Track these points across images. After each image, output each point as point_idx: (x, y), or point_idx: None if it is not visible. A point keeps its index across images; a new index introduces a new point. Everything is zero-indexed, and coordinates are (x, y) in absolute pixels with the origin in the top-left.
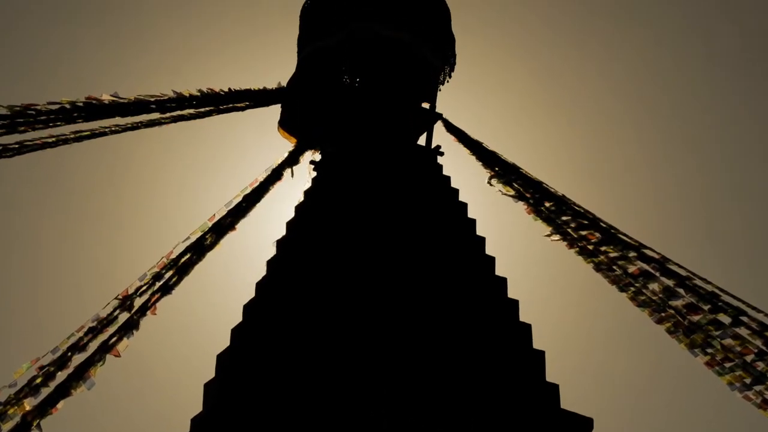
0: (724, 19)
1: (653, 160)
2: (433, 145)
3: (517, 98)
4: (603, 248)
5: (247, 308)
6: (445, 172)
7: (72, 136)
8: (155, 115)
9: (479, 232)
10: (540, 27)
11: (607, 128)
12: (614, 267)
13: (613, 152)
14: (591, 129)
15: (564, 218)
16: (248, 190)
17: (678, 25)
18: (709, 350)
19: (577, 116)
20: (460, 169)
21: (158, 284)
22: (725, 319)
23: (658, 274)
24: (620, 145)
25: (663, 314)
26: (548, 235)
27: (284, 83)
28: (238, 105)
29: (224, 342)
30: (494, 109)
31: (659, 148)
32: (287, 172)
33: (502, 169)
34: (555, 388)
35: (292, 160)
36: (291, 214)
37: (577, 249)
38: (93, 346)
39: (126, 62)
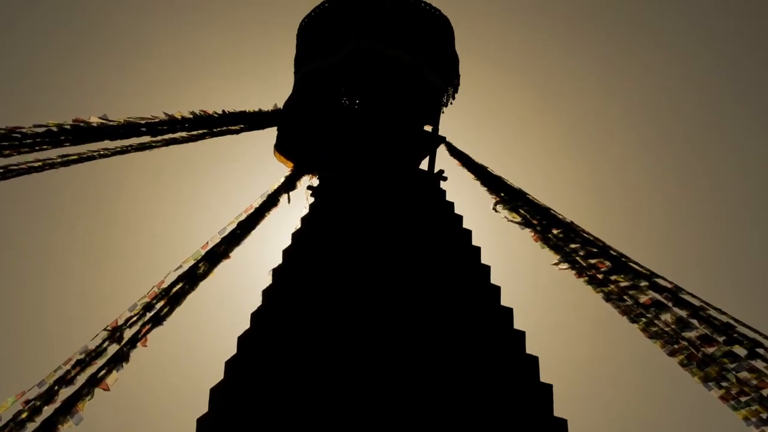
0: (740, 44)
1: (666, 186)
2: (436, 170)
3: (522, 120)
4: (613, 277)
5: (242, 340)
6: (448, 198)
7: (59, 160)
8: (146, 139)
9: (484, 260)
10: (549, 46)
11: (618, 152)
12: (625, 297)
13: (625, 177)
14: (601, 153)
15: (572, 246)
16: (243, 217)
17: (691, 47)
18: (724, 384)
19: (586, 139)
20: (465, 195)
21: (149, 315)
22: (741, 351)
23: (670, 304)
24: (632, 170)
25: (676, 346)
26: (556, 264)
27: (280, 105)
28: (233, 128)
29: (218, 375)
30: (499, 130)
31: (672, 174)
32: (284, 198)
33: (508, 195)
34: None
35: (288, 185)
36: (288, 242)
37: (586, 278)
38: (81, 379)
39: (115, 83)
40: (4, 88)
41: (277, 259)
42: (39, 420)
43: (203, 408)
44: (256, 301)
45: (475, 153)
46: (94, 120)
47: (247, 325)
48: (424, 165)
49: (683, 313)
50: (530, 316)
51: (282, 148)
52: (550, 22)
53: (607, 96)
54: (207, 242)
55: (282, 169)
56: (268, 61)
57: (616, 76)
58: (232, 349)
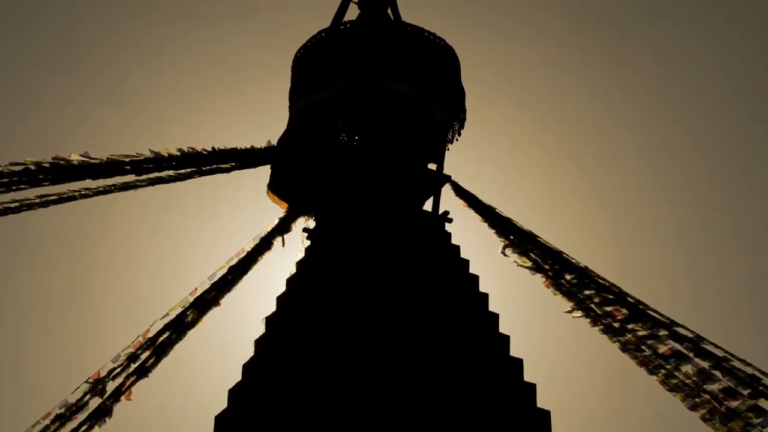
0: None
1: (686, 229)
2: (441, 211)
3: (532, 157)
4: (630, 326)
5: (233, 393)
6: (454, 241)
7: (37, 200)
8: (130, 177)
9: (492, 307)
10: (560, 79)
11: (634, 192)
12: (643, 347)
13: (642, 219)
14: (617, 192)
15: (587, 292)
16: (234, 261)
17: (712, 73)
18: None
19: (601, 178)
20: (471, 237)
21: (133, 366)
22: (767, 405)
23: (692, 354)
24: (649, 211)
25: (698, 399)
26: (569, 312)
27: (274, 141)
28: (223, 166)
29: (208, 430)
30: (507, 168)
31: (695, 215)
32: (278, 241)
33: (517, 238)
34: None
35: (283, 227)
36: (282, 288)
37: (602, 327)
38: None
39: (97, 118)
40: None
41: (271, 307)
42: None
43: None
44: (249, 352)
45: (482, 192)
46: (75, 157)
47: (238, 377)
48: (428, 206)
49: (705, 365)
50: (541, 367)
51: (276, 187)
52: (560, 52)
53: (620, 130)
54: (196, 288)
55: (276, 211)
56: (261, 94)
57: (629, 107)
58: (222, 403)
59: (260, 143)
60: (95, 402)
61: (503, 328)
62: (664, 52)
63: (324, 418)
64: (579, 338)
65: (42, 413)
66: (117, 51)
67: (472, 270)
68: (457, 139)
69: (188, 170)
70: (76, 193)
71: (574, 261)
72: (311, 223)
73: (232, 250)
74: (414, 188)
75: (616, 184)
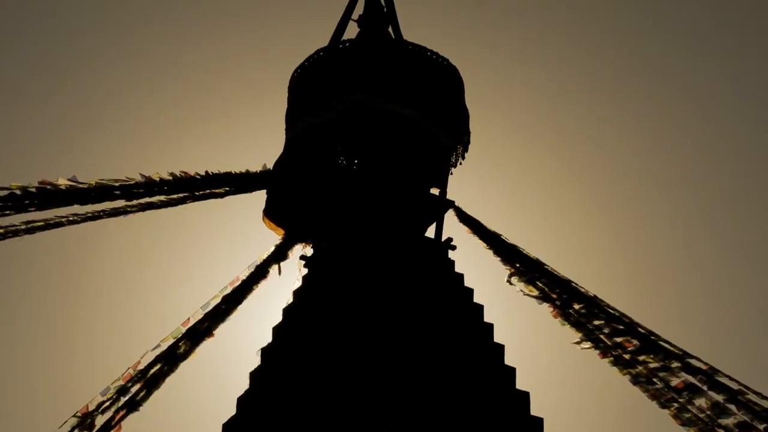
0: None
1: (701, 256)
2: (444, 238)
3: (540, 182)
4: (642, 357)
5: (227, 427)
6: (457, 269)
7: (23, 227)
8: (120, 203)
9: (497, 338)
10: (569, 99)
11: (646, 219)
12: (655, 379)
13: (654, 247)
14: (628, 219)
15: (596, 322)
16: (228, 290)
17: (732, 100)
18: None
19: (611, 204)
20: (475, 265)
21: (123, 399)
22: None
23: (705, 387)
24: (662, 238)
25: None
26: (578, 343)
27: (270, 165)
28: (217, 191)
29: None
30: (513, 193)
31: (709, 243)
32: (274, 269)
33: (524, 266)
34: None
35: (279, 254)
36: (278, 318)
37: (612, 358)
38: None
39: (86, 141)
40: None
41: (267, 338)
42: None
43: None
44: (243, 385)
45: (487, 218)
46: (62, 182)
47: (233, 410)
48: (430, 232)
49: (720, 398)
50: (549, 401)
51: (272, 213)
52: (570, 72)
53: (634, 156)
54: (188, 318)
55: (272, 237)
56: (256, 116)
57: (640, 128)
58: None
59: (255, 167)
60: None
61: (509, 360)
62: (675, 70)
63: None
64: (588, 370)
65: None
66: (106, 71)
67: (477, 299)
68: (460, 163)
69: (181, 195)
70: (63, 219)
71: (582, 290)
72: (309, 251)
73: (226, 279)
74: (416, 214)
75: (628, 210)
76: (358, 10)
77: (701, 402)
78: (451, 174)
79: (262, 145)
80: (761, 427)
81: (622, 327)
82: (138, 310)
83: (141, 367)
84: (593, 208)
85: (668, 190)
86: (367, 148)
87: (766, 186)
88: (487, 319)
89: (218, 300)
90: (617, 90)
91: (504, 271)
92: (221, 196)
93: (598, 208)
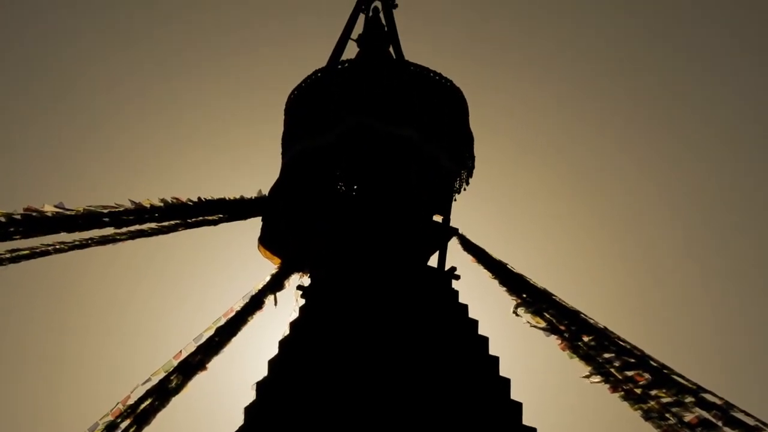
0: None
1: (716, 287)
2: (447, 267)
3: (548, 208)
4: (654, 392)
5: None
6: (461, 300)
7: (7, 255)
8: (109, 231)
9: (503, 371)
10: (577, 121)
11: (659, 248)
12: (668, 415)
13: (667, 276)
14: (641, 247)
15: (606, 355)
16: (222, 322)
17: (749, 124)
18: None
19: (623, 231)
20: (480, 296)
21: None
22: None
23: (720, 423)
24: (676, 267)
25: None
26: (587, 377)
27: (265, 191)
28: (210, 218)
29: None
30: (519, 219)
31: (724, 271)
32: (269, 300)
33: (530, 296)
34: None
35: (275, 284)
36: (274, 351)
37: (623, 393)
38: None
39: (73, 166)
40: None
41: (262, 371)
42: None
43: None
44: (238, 420)
45: (492, 246)
46: (49, 209)
47: None
48: (433, 261)
49: None
50: None
51: (268, 241)
52: (579, 94)
53: (647, 180)
54: (180, 351)
55: (267, 266)
56: (251, 140)
57: (652, 153)
58: None
59: (250, 193)
60: None
61: (515, 394)
62: (689, 93)
63: None
64: (598, 405)
65: None
66: (95, 92)
67: (481, 331)
68: (464, 189)
69: (172, 223)
70: (50, 248)
71: (592, 321)
72: (306, 280)
73: (219, 310)
74: (418, 242)
75: (640, 237)
76: (358, 29)
77: None
78: (455, 200)
79: (257, 170)
80: None
81: (633, 360)
82: (128, 343)
83: (131, 401)
84: (604, 235)
85: (684, 216)
86: (366, 173)
87: None
88: (492, 351)
89: (211, 332)
90: (633, 112)
91: (510, 301)
92: (215, 223)
93: (609, 236)
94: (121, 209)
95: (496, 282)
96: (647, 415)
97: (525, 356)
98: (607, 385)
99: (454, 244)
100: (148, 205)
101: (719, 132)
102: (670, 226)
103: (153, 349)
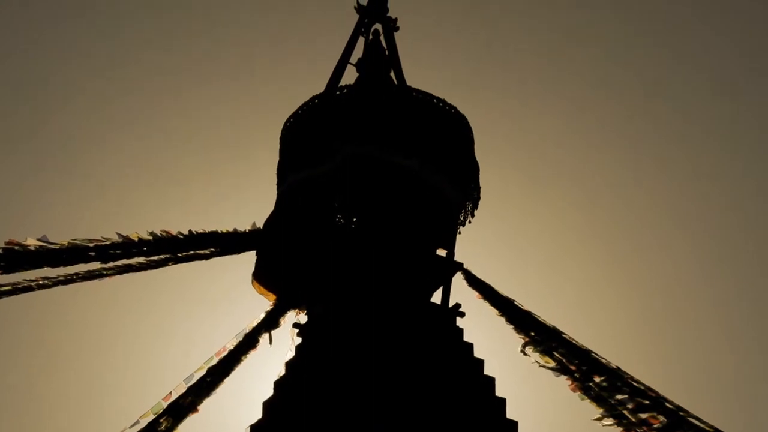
0: None
1: (734, 324)
2: (452, 303)
3: (557, 242)
4: None
5: None
6: (466, 338)
7: None
8: (95, 265)
9: (510, 414)
10: (588, 150)
11: (674, 282)
12: None
13: (683, 313)
14: (655, 281)
15: (619, 397)
16: (214, 361)
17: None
18: None
19: (635, 266)
20: (486, 334)
21: None
22: None
23: None
24: (692, 304)
25: None
26: (599, 419)
27: (260, 224)
28: (202, 252)
29: None
30: (526, 254)
31: (741, 308)
32: (264, 338)
33: (539, 334)
34: None
35: (270, 322)
36: (269, 392)
37: None
38: None
39: (57, 197)
40: None
41: (257, 414)
42: None
43: None
44: None
45: (498, 282)
46: (32, 242)
47: None
48: (436, 298)
49: None
50: None
51: (262, 276)
52: (588, 120)
53: (661, 211)
54: (170, 392)
55: (262, 303)
56: (244, 170)
57: (671, 186)
58: None
59: (244, 226)
60: None
61: None
62: (702, 118)
63: None
64: None
65: None
66: (81, 119)
67: (487, 371)
68: (470, 221)
69: (162, 257)
70: (32, 283)
71: (604, 361)
72: (302, 318)
73: (211, 349)
74: (421, 278)
75: (653, 271)
76: (357, 53)
77: None
78: (459, 233)
79: (251, 201)
80: None
81: (647, 402)
82: (115, 383)
83: None
84: (617, 270)
85: (702, 252)
86: (366, 205)
87: None
88: (498, 392)
89: (203, 372)
90: (645, 142)
91: (517, 340)
92: (206, 257)
93: (623, 271)
94: (108, 243)
95: (503, 319)
96: None
97: (533, 398)
98: (620, 428)
99: (458, 280)
100: (137, 239)
101: (740, 159)
102: (687, 261)
103: (141, 389)
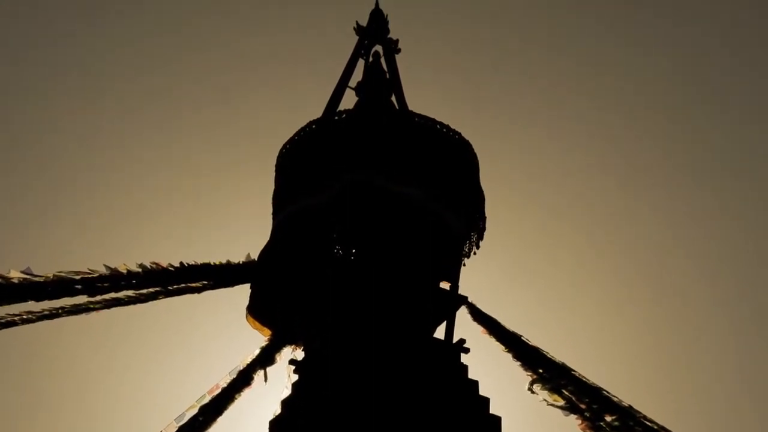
0: None
1: (752, 359)
2: (456, 339)
3: (567, 273)
4: None
5: None
6: (471, 375)
7: None
8: (82, 299)
9: None
10: (601, 181)
11: (690, 322)
12: None
13: (699, 354)
14: (670, 315)
15: None
16: (206, 399)
17: None
18: None
19: (648, 299)
20: (492, 371)
21: None
22: None
23: None
24: (709, 346)
25: None
26: None
27: (254, 256)
28: (194, 285)
29: None
30: (534, 287)
31: (759, 344)
32: (259, 375)
33: (547, 371)
34: None
35: (265, 358)
36: None
37: None
38: None
39: (42, 228)
40: None
41: None
42: None
43: None
44: None
45: (504, 316)
46: (15, 275)
47: None
48: (439, 333)
49: None
50: None
51: (257, 310)
52: (600, 151)
53: (676, 243)
54: None
55: (257, 338)
56: (238, 199)
57: (689, 221)
58: None
59: (238, 257)
60: None
61: None
62: (724, 150)
63: None
64: None
65: None
66: (64, 149)
67: (493, 410)
68: (474, 253)
69: (151, 290)
70: (16, 318)
71: (615, 399)
72: (299, 354)
73: (204, 386)
74: (423, 312)
75: (667, 307)
76: (357, 76)
77: None
78: (464, 265)
79: (245, 232)
80: None
81: None
82: (102, 424)
83: None
84: (630, 305)
85: (716, 289)
86: (366, 235)
87: None
88: None
89: (195, 410)
90: (664, 174)
91: (525, 377)
92: (199, 290)
93: (636, 306)
94: (95, 275)
95: (509, 356)
96: None
97: None
98: None
99: (463, 314)
100: (125, 271)
101: (757, 194)
102: (704, 299)
103: (130, 429)
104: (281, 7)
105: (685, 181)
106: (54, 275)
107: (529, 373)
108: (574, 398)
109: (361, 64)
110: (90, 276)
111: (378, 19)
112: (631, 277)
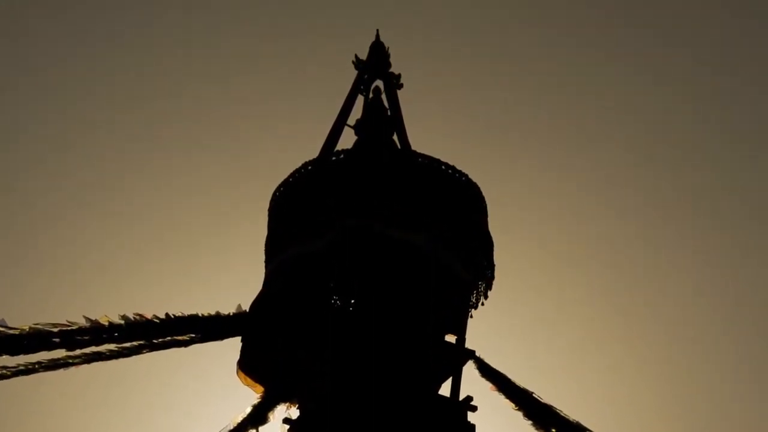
0: None
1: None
2: (462, 396)
3: (579, 324)
4: None
5: None
6: None
7: None
8: (60, 353)
9: None
10: (612, 225)
11: (711, 378)
12: None
13: (720, 411)
14: (688, 376)
15: None
16: None
17: None
18: None
19: (668, 357)
20: (500, 429)
21: None
22: None
23: None
24: (729, 402)
25: None
26: None
27: (246, 307)
28: (180, 338)
29: None
30: (546, 340)
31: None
32: None
33: (561, 431)
34: None
35: (257, 417)
36: None
37: None
38: None
39: (16, 276)
40: None
41: None
42: None
43: None
44: None
45: (515, 371)
46: None
47: None
48: (445, 389)
49: None
50: None
51: (248, 366)
52: (615, 194)
53: (696, 292)
54: None
55: (248, 395)
56: (228, 246)
57: (705, 267)
58: None
59: (228, 309)
60: None
61: None
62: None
63: None
64: None
65: None
66: (41, 193)
67: None
68: (482, 303)
69: (135, 344)
70: None
71: None
72: (294, 413)
73: None
74: (428, 367)
75: (688, 361)
76: (356, 113)
77: None
78: (471, 316)
79: (235, 281)
80: None
81: None
82: None
83: None
84: (646, 359)
85: (733, 339)
86: (366, 285)
87: None
88: None
89: None
90: (680, 220)
91: None
92: (186, 344)
93: (653, 360)
94: (75, 328)
95: (520, 414)
96: None
97: None
98: None
99: (470, 369)
100: (107, 323)
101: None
102: (722, 352)
103: None
104: (274, 40)
105: (711, 230)
106: (30, 327)
107: None
108: None
109: (360, 100)
110: (69, 328)
111: (379, 52)
112: (652, 330)
